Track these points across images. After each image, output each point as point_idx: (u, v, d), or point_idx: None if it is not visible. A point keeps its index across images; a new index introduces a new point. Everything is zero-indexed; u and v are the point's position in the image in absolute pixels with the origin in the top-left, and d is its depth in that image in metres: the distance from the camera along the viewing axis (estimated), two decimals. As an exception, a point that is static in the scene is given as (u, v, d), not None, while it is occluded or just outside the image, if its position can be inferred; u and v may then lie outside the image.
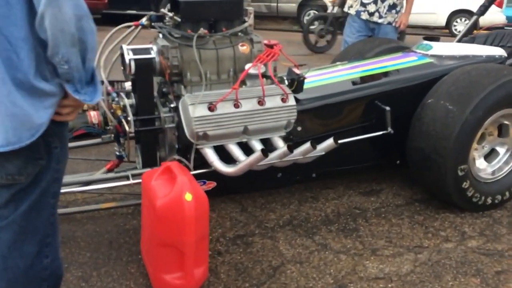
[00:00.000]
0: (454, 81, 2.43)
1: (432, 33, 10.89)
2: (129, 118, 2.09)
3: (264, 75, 2.26)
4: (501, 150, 2.65)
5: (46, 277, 1.33)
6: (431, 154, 2.40)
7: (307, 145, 2.04)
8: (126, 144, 2.18)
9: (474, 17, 3.32)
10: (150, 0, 11.53)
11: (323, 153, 2.18)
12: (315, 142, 2.04)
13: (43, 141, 1.19)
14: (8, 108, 1.11)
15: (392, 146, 2.62)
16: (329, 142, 2.11)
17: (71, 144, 2.54)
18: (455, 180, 2.40)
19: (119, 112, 2.13)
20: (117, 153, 2.26)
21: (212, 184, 2.28)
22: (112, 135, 2.20)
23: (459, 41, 3.38)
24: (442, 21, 12.10)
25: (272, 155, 2.05)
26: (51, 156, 1.24)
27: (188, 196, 1.61)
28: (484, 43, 3.34)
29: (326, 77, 2.66)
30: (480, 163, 2.63)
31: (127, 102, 2.13)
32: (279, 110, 2.16)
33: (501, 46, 3.25)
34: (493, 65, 2.52)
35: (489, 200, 2.56)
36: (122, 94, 2.20)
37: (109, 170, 2.28)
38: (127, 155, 2.21)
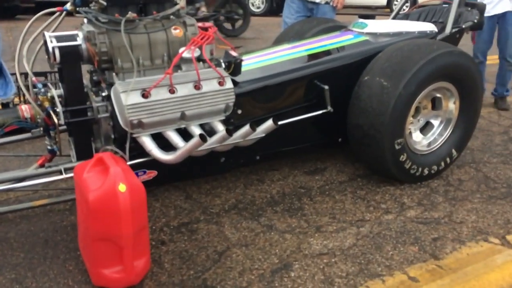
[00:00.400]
0: (387, 58, 2.49)
1: (372, 13, 11.17)
2: (57, 110, 1.99)
3: (199, 59, 2.21)
4: (435, 122, 2.76)
5: None
6: (369, 130, 2.46)
7: (247, 127, 2.03)
8: (57, 137, 2.08)
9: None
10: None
11: (263, 135, 2.17)
12: (255, 124, 2.03)
13: None
14: None
15: (333, 124, 2.66)
16: (269, 123, 2.10)
17: (0, 141, 2.40)
18: (392, 154, 2.48)
19: (46, 104, 2.02)
20: (49, 147, 2.15)
21: (152, 173, 2.23)
22: (41, 129, 2.08)
23: (394, 18, 3.46)
24: (383, 1, 12.42)
25: (211, 140, 2.03)
26: None
27: (122, 187, 1.56)
28: (417, 20, 3.44)
29: (265, 59, 2.64)
30: (416, 136, 2.74)
31: (54, 92, 2.02)
32: (216, 93, 2.12)
33: (433, 22, 3.37)
34: (424, 40, 2.60)
35: (425, 171, 2.67)
36: (50, 85, 2.08)
37: (41, 166, 2.17)
38: (59, 148, 2.11)
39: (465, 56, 2.55)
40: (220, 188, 2.57)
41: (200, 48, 2.14)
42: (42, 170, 2.01)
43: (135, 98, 1.95)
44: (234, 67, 2.28)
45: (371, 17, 3.22)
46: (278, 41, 3.39)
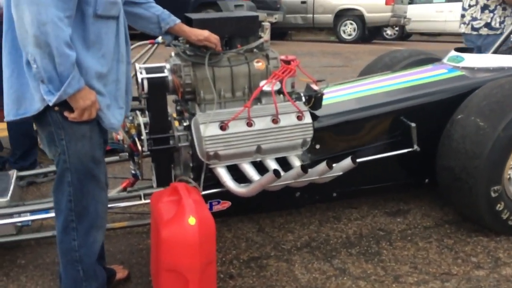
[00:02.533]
0: (485, 95, 2.27)
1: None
2: (142, 137, 2.08)
3: (279, 92, 2.20)
4: (541, 168, 2.45)
5: (78, 259, 1.58)
6: (461, 174, 2.24)
7: (323, 165, 1.95)
8: (140, 163, 2.17)
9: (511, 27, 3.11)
10: (188, 11, 11.77)
11: (341, 173, 2.08)
12: (332, 162, 1.95)
13: (54, 131, 1.48)
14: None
15: (420, 164, 2.48)
16: (347, 162, 2.00)
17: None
18: (487, 202, 2.23)
19: (133, 131, 2.12)
20: (132, 171, 2.26)
21: (226, 204, 2.23)
22: (127, 154, 2.19)
23: (495, 51, 3.17)
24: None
25: (286, 176, 1.97)
26: (59, 146, 1.50)
27: (192, 220, 1.56)
28: (524, 53, 3.13)
29: (348, 92, 2.56)
30: (518, 182, 2.44)
31: (141, 120, 2.12)
32: (294, 128, 2.08)
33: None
34: (530, 78, 2.34)
35: (527, 224, 2.36)
36: (138, 112, 2.20)
37: (124, 189, 2.28)
38: (141, 174, 2.20)
39: None
40: (294, 223, 2.50)
41: (281, 81, 2.13)
42: (124, 194, 2.11)
43: (213, 130, 1.98)
44: (314, 101, 2.23)
45: (469, 50, 2.98)
46: (366, 72, 3.29)
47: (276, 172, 1.86)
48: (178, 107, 2.22)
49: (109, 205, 2.11)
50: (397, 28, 16.05)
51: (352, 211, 2.66)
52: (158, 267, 1.68)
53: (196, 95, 2.09)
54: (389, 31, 16.49)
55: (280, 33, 15.20)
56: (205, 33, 1.95)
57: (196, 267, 1.59)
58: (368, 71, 3.24)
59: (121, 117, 1.62)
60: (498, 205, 2.26)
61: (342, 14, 13.47)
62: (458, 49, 2.85)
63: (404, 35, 16.54)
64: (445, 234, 2.42)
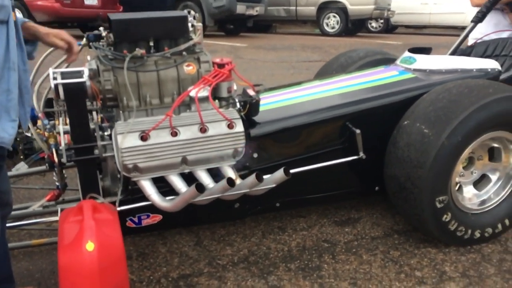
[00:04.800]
0: (432, 101, 2.15)
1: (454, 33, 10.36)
2: (61, 147, 1.93)
3: (216, 97, 2.07)
4: (492, 177, 2.34)
5: None
6: (406, 183, 2.13)
7: (252, 178, 1.82)
8: (60, 175, 2.02)
9: (471, 25, 2.99)
10: (166, 6, 11.55)
11: (274, 185, 1.95)
12: (261, 175, 1.82)
13: None
14: None
15: (370, 171, 2.36)
16: (279, 173, 1.87)
17: (22, 171, 2.42)
18: (433, 213, 2.12)
19: (51, 141, 1.97)
20: (57, 183, 2.11)
21: (157, 217, 2.09)
22: (47, 165, 2.04)
23: (455, 51, 3.05)
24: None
25: (211, 190, 1.85)
26: None
27: (90, 246, 1.43)
28: (484, 52, 3.02)
29: (292, 97, 2.42)
30: (468, 191, 2.33)
31: (61, 129, 1.97)
32: (224, 137, 1.94)
33: (503, 56, 2.94)
34: (478, 81, 2.21)
35: (477, 234, 2.26)
36: (60, 120, 2.04)
37: (49, 200, 2.13)
38: (63, 186, 2.05)
39: (531, 102, 2.12)
40: (235, 235, 2.37)
41: (216, 86, 1.99)
42: (40, 210, 1.96)
43: (132, 140, 1.83)
44: (249, 107, 2.09)
45: (426, 50, 2.84)
46: (322, 73, 3.16)
47: (198, 186, 1.73)
48: (101, 115, 2.07)
49: (26, 222, 1.98)
50: (382, 21, 15.92)
51: (299, 220, 2.53)
52: (61, 294, 1.54)
53: (118, 102, 1.95)
54: (374, 24, 16.36)
55: (264, 25, 15.03)
56: (58, 30, 1.79)
57: (96, 296, 1.45)
58: (324, 71, 3.11)
59: (13, 130, 1.47)
60: (445, 216, 2.15)
61: (325, 7, 13.32)
62: (412, 49, 2.72)
63: (389, 28, 16.44)
64: (393, 245, 2.31)
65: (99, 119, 2.05)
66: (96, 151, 1.99)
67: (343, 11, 13.18)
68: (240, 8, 11.13)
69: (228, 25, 12.97)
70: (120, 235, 1.58)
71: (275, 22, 15.69)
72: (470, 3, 3.40)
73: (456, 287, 2.00)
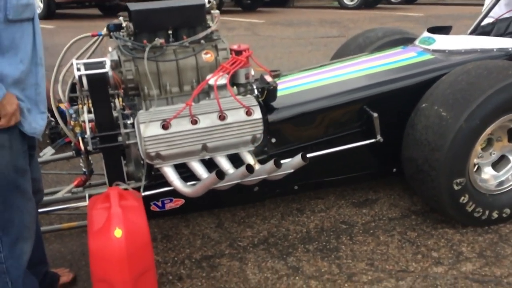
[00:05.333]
0: (451, 83, 2.14)
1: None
2: (86, 136, 2.01)
3: (234, 84, 2.10)
4: (511, 157, 2.34)
5: (5, 271, 1.50)
6: (423, 166, 2.15)
7: (271, 164, 1.87)
8: (87, 161, 2.11)
9: (492, 1, 2.91)
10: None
11: (292, 170, 1.99)
12: (280, 160, 1.86)
13: None
14: None
15: (387, 153, 2.38)
16: (297, 159, 1.91)
17: (50, 158, 2.52)
18: (450, 195, 2.14)
19: (77, 129, 2.05)
20: (84, 169, 2.20)
21: (180, 202, 2.17)
22: (73, 152, 2.13)
23: (475, 28, 2.99)
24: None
25: (231, 176, 1.90)
26: None
27: (118, 232, 1.50)
28: (506, 29, 2.95)
29: (310, 81, 2.44)
30: (487, 172, 2.34)
31: (86, 117, 2.04)
32: (242, 124, 1.98)
33: (527, 33, 2.88)
34: (497, 62, 2.18)
35: (495, 215, 2.28)
36: (85, 109, 2.11)
37: (77, 186, 2.23)
38: (90, 172, 2.15)
39: (551, 84, 2.09)
40: (255, 217, 2.44)
41: (234, 73, 2.03)
42: (68, 195, 2.06)
43: (154, 129, 1.89)
44: (267, 93, 2.12)
45: (446, 29, 2.80)
46: (339, 54, 3.15)
47: (218, 173, 1.78)
48: (124, 103, 2.13)
49: (56, 207, 2.09)
50: (402, -9, 15.45)
51: (317, 201, 2.59)
52: (92, 276, 1.64)
53: (140, 91, 2.00)
54: (394, -5, 15.90)
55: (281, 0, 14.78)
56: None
57: (126, 280, 1.54)
58: (341, 52, 3.10)
59: (43, 121, 1.55)
60: (462, 197, 2.17)
61: (344, -21, 12.99)
62: (431, 29, 2.68)
63: (410, -1, 15.96)
64: (410, 226, 2.35)
65: (122, 105, 2.12)
66: (120, 138, 2.06)
67: (360, -16, 12.84)
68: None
69: (245, 0, 12.82)
70: (146, 221, 1.66)
71: (293, -4, 15.38)
72: None
73: (473, 267, 2.04)
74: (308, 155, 1.95)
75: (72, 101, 2.20)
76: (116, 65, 1.96)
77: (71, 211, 2.29)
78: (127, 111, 2.07)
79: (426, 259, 2.10)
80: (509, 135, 2.31)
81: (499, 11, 3.06)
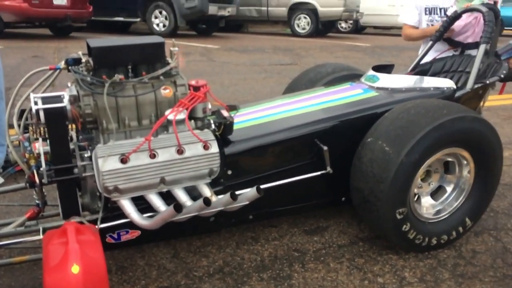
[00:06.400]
0: (393, 120, 2.33)
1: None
2: (41, 168, 2.01)
3: (192, 117, 2.18)
4: (448, 188, 2.55)
5: None
6: (369, 196, 2.30)
7: (227, 196, 1.95)
8: (41, 194, 2.09)
9: (430, 43, 3.20)
10: (137, 7, 11.49)
11: (247, 202, 2.08)
12: (236, 193, 1.95)
13: None
14: None
15: (337, 183, 2.53)
16: (252, 192, 2.01)
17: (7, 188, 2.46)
18: (393, 224, 2.30)
19: (32, 162, 2.04)
20: (37, 201, 2.18)
21: (136, 233, 2.19)
22: (27, 184, 2.11)
23: (415, 67, 3.26)
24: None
25: (188, 209, 1.96)
26: None
27: (75, 269, 1.52)
28: (442, 68, 3.24)
29: (264, 115, 2.56)
30: (426, 201, 2.53)
31: (41, 150, 2.04)
32: (200, 158, 2.06)
33: (459, 71, 3.16)
34: (434, 101, 2.40)
35: (434, 241, 2.46)
36: (40, 142, 2.11)
37: (29, 218, 2.20)
38: (43, 204, 2.13)
39: (480, 122, 2.33)
40: (210, 246, 2.50)
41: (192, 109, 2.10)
42: (21, 229, 2.03)
43: (113, 163, 1.92)
44: (224, 128, 2.21)
45: (389, 67, 3.04)
46: (291, 87, 3.31)
47: (176, 207, 1.84)
48: (81, 137, 2.15)
49: (6, 242, 2.05)
50: (351, 22, 16.25)
51: (271, 230, 2.68)
52: (47, 313, 1.63)
53: (98, 125, 2.03)
54: (343, 24, 16.68)
55: (235, 25, 15.11)
56: None
57: (82, 315, 1.55)
58: (294, 85, 3.26)
59: (2, 154, 1.56)
60: (404, 226, 2.33)
61: (296, 8, 13.53)
62: (376, 67, 2.90)
63: (358, 28, 16.80)
64: (357, 253, 2.49)
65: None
66: (76, 171, 2.08)
67: (313, 13, 13.43)
68: (212, 9, 11.20)
69: (200, 25, 13.01)
70: (103, 255, 1.68)
71: (246, 22, 15.78)
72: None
73: (414, 292, 2.20)
74: (263, 186, 2.06)
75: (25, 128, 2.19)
76: (75, 100, 1.99)
77: (23, 244, 2.24)
78: (84, 144, 2.09)
79: (372, 284, 2.24)
80: (445, 167, 2.52)
81: (434, 53, 3.34)
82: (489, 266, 2.42)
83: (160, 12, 11.19)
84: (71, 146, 2.06)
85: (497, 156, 2.44)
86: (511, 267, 2.41)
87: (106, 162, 1.91)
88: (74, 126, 2.12)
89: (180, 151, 2.03)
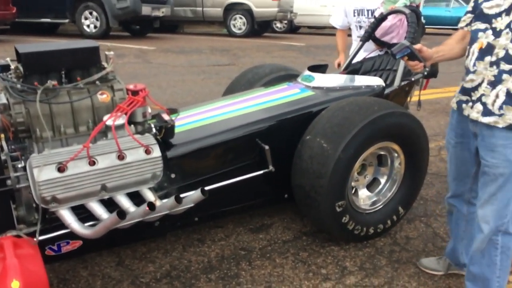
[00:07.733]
0: (329, 118, 2.43)
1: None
2: (-29, 181, 1.89)
3: (131, 122, 2.14)
4: (382, 179, 2.71)
5: None
6: (310, 192, 2.39)
7: (171, 200, 1.94)
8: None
9: (359, 44, 3.37)
10: (65, 8, 10.98)
11: (193, 204, 2.09)
12: (180, 197, 1.94)
13: None
14: None
15: (279, 181, 2.59)
16: (197, 194, 2.02)
17: None
18: (333, 216, 2.41)
19: (-40, 175, 1.92)
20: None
21: (77, 243, 2.12)
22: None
23: (347, 66, 3.42)
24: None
25: (132, 215, 1.94)
26: None
27: (15, 284, 1.46)
28: (372, 67, 3.42)
29: (205, 117, 2.58)
30: (362, 193, 2.67)
31: (-31, 162, 1.92)
32: (142, 163, 2.03)
33: (387, 70, 3.35)
34: (366, 99, 2.55)
35: (371, 231, 2.61)
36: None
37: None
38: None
39: (408, 117, 2.50)
40: (156, 251, 2.47)
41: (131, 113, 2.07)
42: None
43: (49, 173, 1.85)
44: (165, 131, 2.20)
45: (323, 67, 3.17)
46: (230, 89, 3.34)
47: (119, 213, 1.81)
48: (12, 146, 2.05)
49: None
50: (286, 22, 16.58)
51: (217, 230, 2.70)
52: (-16, 334, 1.55)
53: (31, 133, 1.95)
54: (278, 25, 16.97)
55: (171, 26, 14.89)
56: None
57: (24, 332, 1.49)
58: (232, 87, 3.30)
59: None
60: (344, 218, 2.45)
61: (232, 8, 13.56)
62: (311, 67, 3.01)
63: (293, 28, 17.17)
64: (301, 247, 2.57)
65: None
66: (9, 182, 1.98)
67: (248, 13, 13.53)
68: (146, 10, 10.95)
69: (134, 26, 12.69)
70: (43, 268, 1.62)
71: (182, 23, 15.61)
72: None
73: (355, 280, 2.31)
74: (207, 188, 2.08)
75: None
76: (5, 108, 1.89)
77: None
78: (16, 153, 1.99)
79: (316, 276, 2.33)
80: (379, 160, 2.68)
81: (364, 53, 3.52)
82: (421, 251, 2.60)
83: (91, 13, 10.77)
84: (3, 156, 1.96)
85: (424, 147, 2.63)
86: (440, 249, 2.61)
87: (42, 172, 1.84)
88: (3, 136, 2.02)
89: (121, 157, 2.00)
